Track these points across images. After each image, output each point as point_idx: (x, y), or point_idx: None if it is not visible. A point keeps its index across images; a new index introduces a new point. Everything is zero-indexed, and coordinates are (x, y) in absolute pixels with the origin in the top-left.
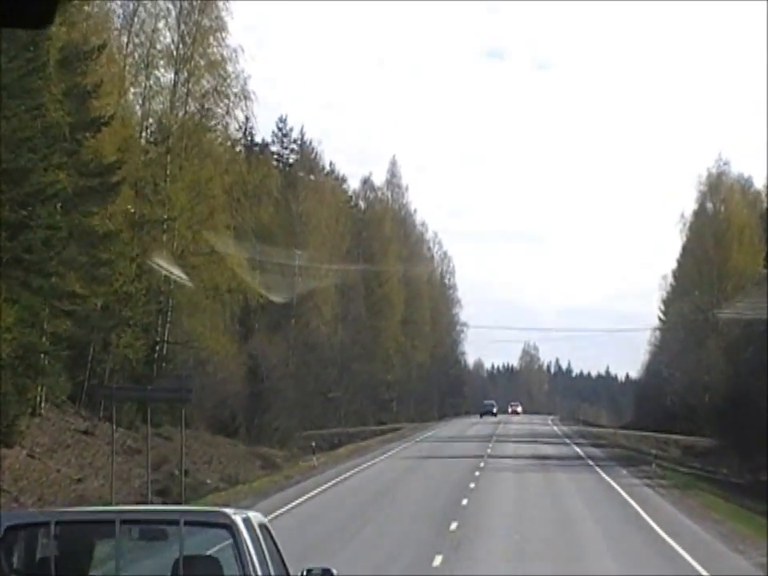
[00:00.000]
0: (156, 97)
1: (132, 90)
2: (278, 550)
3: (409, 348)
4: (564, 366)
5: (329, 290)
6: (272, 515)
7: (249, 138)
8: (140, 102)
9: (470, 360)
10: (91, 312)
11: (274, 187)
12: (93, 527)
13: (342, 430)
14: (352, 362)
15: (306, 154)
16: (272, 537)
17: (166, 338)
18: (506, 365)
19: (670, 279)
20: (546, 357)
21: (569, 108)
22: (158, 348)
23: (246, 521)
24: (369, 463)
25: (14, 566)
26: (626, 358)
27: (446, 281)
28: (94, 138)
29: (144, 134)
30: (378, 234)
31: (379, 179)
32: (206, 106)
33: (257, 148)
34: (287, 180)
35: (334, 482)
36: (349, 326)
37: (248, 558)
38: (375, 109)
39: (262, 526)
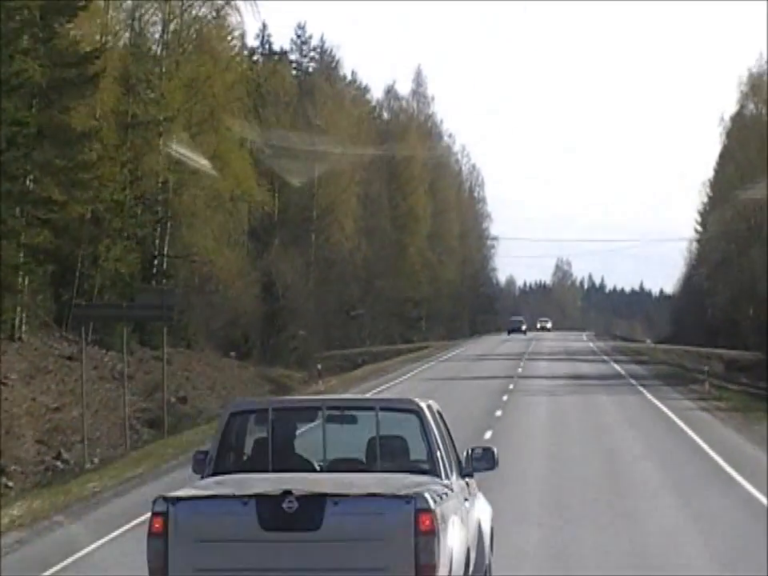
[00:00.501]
0: None
1: None
2: (449, 433)
3: (436, 264)
4: (597, 282)
5: (350, 201)
6: None
7: (266, 47)
8: None
9: (502, 277)
10: (74, 222)
11: (289, 94)
12: (299, 413)
13: (366, 349)
14: (376, 279)
15: (326, 63)
16: (444, 422)
17: (165, 252)
18: (538, 281)
19: (707, 188)
20: (579, 273)
21: (597, 12)
22: (156, 262)
23: (429, 407)
24: (384, 386)
25: (234, 444)
26: (661, 273)
27: (475, 194)
28: (70, 22)
29: (136, 24)
30: (403, 146)
31: (404, 89)
32: None
33: (276, 57)
34: (305, 89)
35: None
36: (372, 240)
37: (432, 436)
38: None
39: (439, 412)
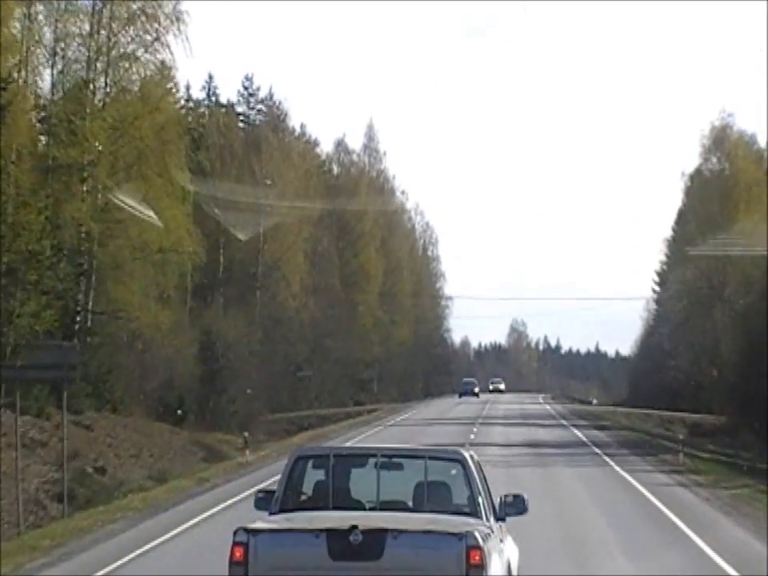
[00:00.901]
0: (71, 18)
1: (38, 4)
2: (486, 481)
3: (389, 324)
4: (553, 344)
5: (297, 257)
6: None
7: (213, 98)
8: (53, 19)
9: (457, 338)
10: None
11: (235, 146)
12: (355, 459)
13: (313, 412)
14: (325, 339)
15: (274, 115)
16: (482, 470)
17: (88, 307)
18: (493, 343)
19: (666, 247)
20: (535, 334)
21: (555, 65)
22: (78, 319)
23: (471, 457)
24: None
25: (297, 485)
26: (617, 335)
27: (429, 252)
28: None
29: (59, 60)
30: (354, 201)
31: (356, 143)
32: (133, 30)
33: (223, 109)
34: (252, 141)
35: (246, 494)
36: (321, 298)
37: (474, 483)
38: (354, 82)
39: (478, 463)
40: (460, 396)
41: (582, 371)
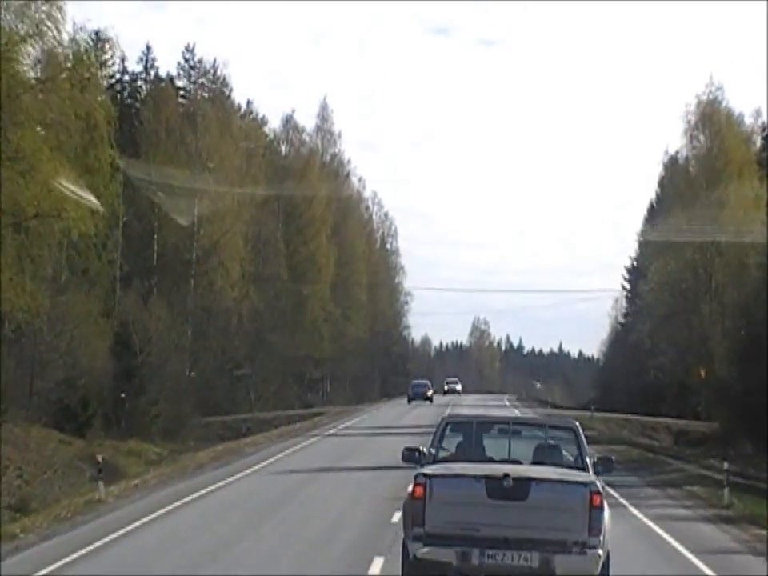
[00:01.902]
0: None
1: None
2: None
3: (341, 319)
4: (515, 343)
5: (236, 242)
6: None
7: (149, 71)
8: None
9: (416, 336)
10: None
11: (170, 122)
12: (491, 425)
13: (253, 415)
14: (268, 333)
15: (217, 90)
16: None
17: None
18: (454, 342)
19: (636, 240)
20: (497, 333)
21: (528, 43)
22: None
23: (579, 426)
24: (210, 487)
25: (444, 443)
26: (580, 335)
27: (388, 245)
28: None
29: None
30: (304, 184)
31: (308, 124)
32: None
33: (162, 83)
34: (189, 117)
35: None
36: (265, 289)
37: (582, 446)
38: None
39: (581, 430)
40: (409, 401)
41: (545, 371)
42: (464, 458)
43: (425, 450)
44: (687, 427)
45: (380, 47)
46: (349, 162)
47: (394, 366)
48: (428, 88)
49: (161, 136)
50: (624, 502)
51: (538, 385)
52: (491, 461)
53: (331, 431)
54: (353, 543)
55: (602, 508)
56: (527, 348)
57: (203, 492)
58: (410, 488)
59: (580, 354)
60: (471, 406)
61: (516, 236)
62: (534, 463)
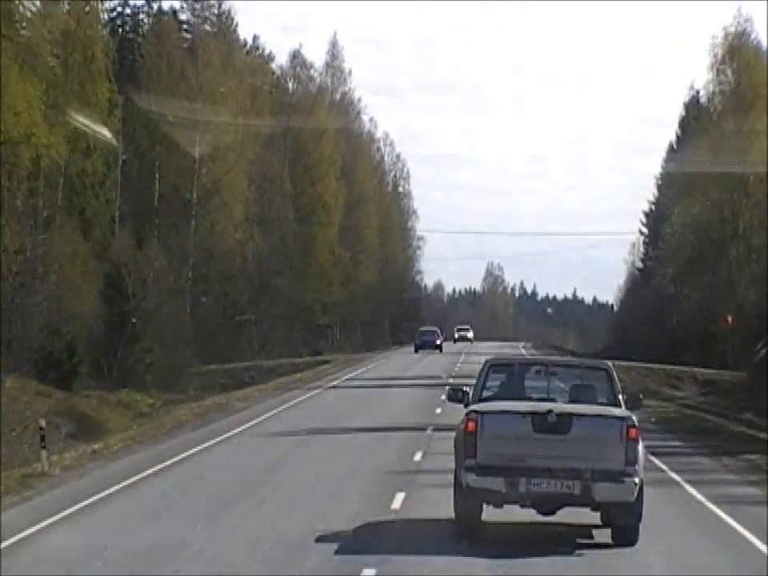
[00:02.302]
0: None
1: None
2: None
3: (351, 263)
4: (529, 290)
5: (239, 181)
6: None
7: (151, 5)
8: None
9: (429, 282)
10: None
11: (172, 56)
12: (530, 366)
13: (256, 363)
14: (274, 277)
15: (223, 25)
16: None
17: None
18: (468, 288)
19: (655, 183)
20: (510, 279)
21: None
22: None
23: (611, 366)
24: (169, 461)
25: (487, 383)
26: (594, 281)
27: (400, 188)
28: None
29: None
30: (312, 121)
31: (317, 61)
32: None
33: (165, 17)
34: (192, 52)
35: None
36: (270, 231)
37: (616, 384)
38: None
39: (614, 370)
40: (416, 350)
41: (559, 318)
42: (506, 396)
43: (468, 390)
44: (714, 377)
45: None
46: (359, 100)
47: (405, 312)
48: (440, 33)
49: (162, 70)
50: (677, 477)
51: (549, 310)
52: (531, 399)
53: (334, 383)
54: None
55: (637, 440)
56: (541, 294)
57: (168, 463)
58: (461, 424)
59: (594, 300)
60: (485, 355)
61: (529, 182)
62: (571, 401)
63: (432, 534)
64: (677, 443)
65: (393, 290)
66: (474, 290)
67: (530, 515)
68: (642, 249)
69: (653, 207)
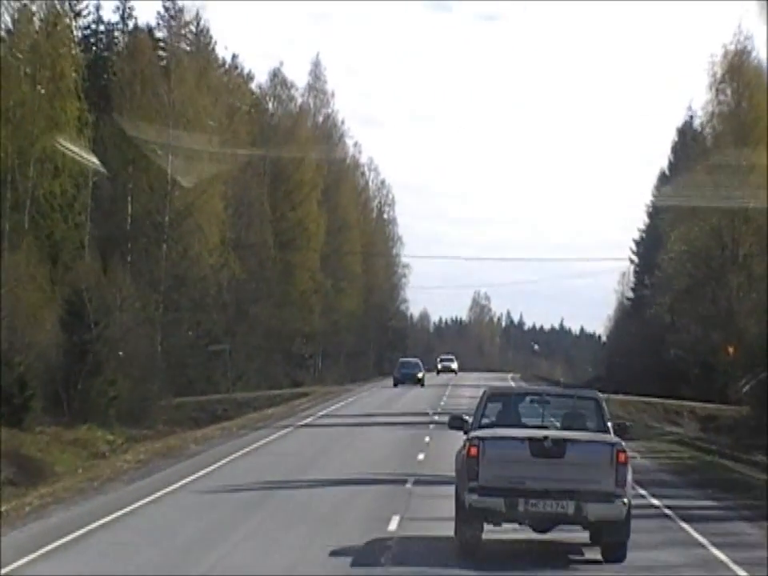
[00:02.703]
0: None
1: None
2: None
3: (333, 291)
4: (516, 319)
5: (214, 204)
6: None
7: (126, 22)
8: None
9: (415, 311)
10: None
11: (145, 75)
12: (525, 396)
13: (230, 395)
14: (251, 305)
15: (201, 43)
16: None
17: None
18: (454, 318)
19: (644, 210)
20: (497, 309)
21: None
22: None
23: (600, 397)
24: (70, 535)
25: (485, 411)
26: (581, 312)
27: (385, 215)
28: None
29: None
30: (293, 145)
31: (298, 80)
32: None
33: (140, 35)
34: (166, 70)
35: None
36: (247, 257)
37: (604, 413)
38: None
39: (603, 400)
40: (395, 384)
41: (546, 348)
42: (503, 423)
43: (467, 418)
44: (714, 412)
45: (380, 23)
46: (343, 122)
47: (390, 342)
48: (428, 63)
49: (135, 89)
50: (721, 556)
51: (536, 346)
52: (526, 426)
53: (307, 419)
54: None
55: (626, 464)
56: (528, 324)
57: (64, 540)
58: (463, 449)
59: (581, 330)
60: (473, 388)
61: (516, 214)
62: (564, 428)
63: None
64: (707, 503)
65: (377, 320)
66: (461, 319)
67: (525, 533)
68: (632, 278)
69: (643, 236)
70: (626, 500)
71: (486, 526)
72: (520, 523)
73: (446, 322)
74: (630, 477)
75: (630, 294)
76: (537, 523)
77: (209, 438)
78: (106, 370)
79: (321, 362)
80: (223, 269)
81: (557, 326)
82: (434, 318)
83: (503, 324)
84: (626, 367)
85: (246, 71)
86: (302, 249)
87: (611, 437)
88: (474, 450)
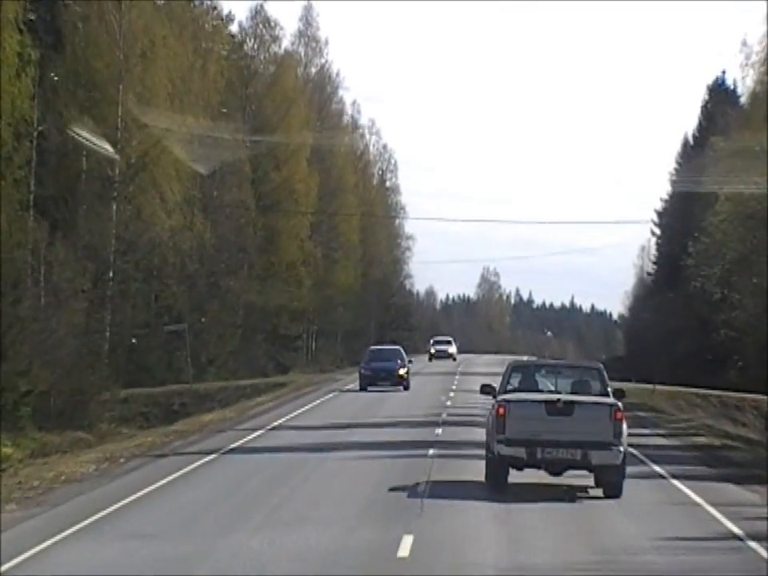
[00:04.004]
0: None
1: None
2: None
3: (327, 263)
4: (525, 297)
5: (174, 156)
6: None
7: None
8: None
9: (420, 288)
10: None
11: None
12: (543, 368)
13: (190, 386)
14: (223, 278)
15: None
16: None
17: None
18: (461, 295)
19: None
20: (506, 286)
21: None
22: None
23: (602, 367)
24: None
25: (510, 380)
26: (592, 289)
27: (387, 182)
28: None
29: None
30: (277, 92)
31: (289, 26)
32: None
33: None
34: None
35: None
36: (220, 220)
37: (605, 380)
38: None
39: (604, 370)
40: (362, 387)
41: (556, 326)
42: (524, 389)
43: (495, 385)
44: None
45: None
46: (338, 74)
47: (393, 321)
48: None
49: (89, 22)
50: None
51: (549, 333)
52: (542, 391)
53: (252, 435)
54: None
55: (622, 420)
56: (537, 302)
57: None
58: (492, 409)
59: (592, 308)
60: (484, 373)
61: (524, 191)
62: (572, 392)
63: None
64: None
65: (378, 296)
66: (468, 297)
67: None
68: (654, 251)
69: (666, 206)
70: (621, 448)
71: (511, 472)
72: (538, 468)
73: (453, 300)
74: (625, 430)
75: (651, 269)
76: (551, 468)
77: (71, 477)
78: (13, 358)
79: (314, 343)
80: (183, 232)
81: (567, 303)
82: (441, 295)
83: (512, 302)
84: (652, 350)
85: (224, 12)
86: (289, 213)
87: (610, 399)
88: (501, 410)
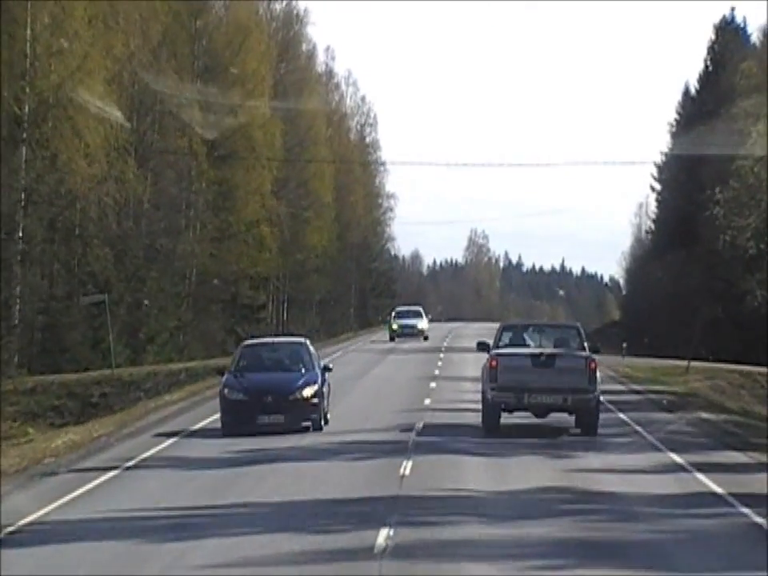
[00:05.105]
0: None
1: None
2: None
3: (296, 223)
4: (514, 260)
5: (95, 88)
6: None
7: None
8: None
9: (406, 252)
10: None
11: None
12: (529, 327)
13: (111, 372)
14: (162, 239)
15: None
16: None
17: None
18: (449, 260)
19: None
20: (495, 249)
21: None
22: None
23: (580, 326)
24: None
25: (502, 337)
26: (582, 252)
27: (367, 137)
28: None
29: None
30: (229, 26)
31: None
32: None
33: None
34: None
35: None
36: (159, 170)
37: (582, 338)
38: None
39: (582, 329)
40: (224, 427)
41: (546, 291)
42: (513, 344)
43: (489, 342)
44: None
45: None
46: (305, 12)
47: (375, 287)
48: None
49: None
50: None
51: (561, 292)
52: (529, 347)
53: (35, 514)
54: None
55: (595, 370)
56: (527, 265)
57: None
58: (486, 362)
59: (583, 271)
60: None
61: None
62: (555, 347)
63: None
64: None
65: (357, 260)
66: (456, 261)
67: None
68: (654, 209)
69: (664, 158)
70: (595, 393)
71: (503, 415)
72: (525, 410)
73: (441, 265)
74: (599, 378)
75: (649, 227)
76: (537, 411)
77: None
78: None
79: (285, 314)
80: (106, 183)
81: (557, 266)
82: (428, 260)
83: (501, 266)
84: (657, 316)
85: None
86: (247, 165)
87: (586, 353)
88: (494, 363)
